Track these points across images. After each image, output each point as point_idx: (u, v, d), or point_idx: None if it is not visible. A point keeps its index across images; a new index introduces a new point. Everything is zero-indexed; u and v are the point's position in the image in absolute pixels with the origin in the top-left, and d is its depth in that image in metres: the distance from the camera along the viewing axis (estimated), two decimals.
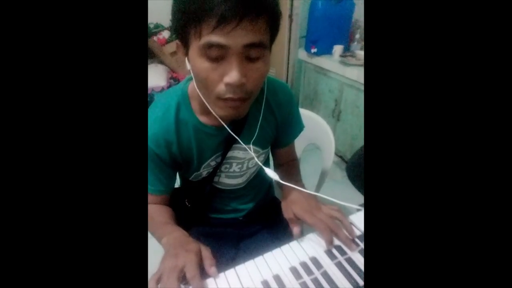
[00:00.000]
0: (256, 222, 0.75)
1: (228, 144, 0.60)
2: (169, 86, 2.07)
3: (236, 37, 0.40)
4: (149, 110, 0.58)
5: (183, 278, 0.43)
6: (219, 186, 0.69)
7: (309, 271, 0.46)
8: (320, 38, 1.84)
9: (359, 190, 1.02)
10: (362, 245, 0.50)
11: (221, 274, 0.46)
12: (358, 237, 0.51)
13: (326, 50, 1.85)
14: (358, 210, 0.56)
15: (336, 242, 0.50)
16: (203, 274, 0.44)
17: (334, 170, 1.84)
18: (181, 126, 0.57)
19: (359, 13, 1.86)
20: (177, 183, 0.72)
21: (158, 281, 0.43)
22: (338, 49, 1.80)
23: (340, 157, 1.93)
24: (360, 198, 0.67)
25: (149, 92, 2.01)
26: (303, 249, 0.50)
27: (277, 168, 0.75)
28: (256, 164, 0.67)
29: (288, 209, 0.56)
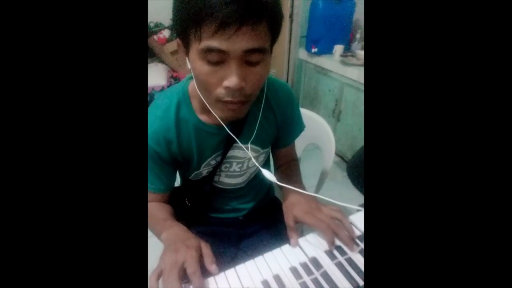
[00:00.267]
0: (256, 221, 0.75)
1: (228, 143, 0.60)
2: (170, 85, 2.06)
3: (236, 43, 0.40)
4: (149, 109, 0.58)
5: (184, 276, 0.43)
6: (219, 186, 0.69)
7: (309, 271, 0.46)
8: (320, 37, 1.84)
9: (360, 190, 1.02)
10: (362, 245, 0.49)
11: (221, 274, 0.46)
12: (358, 237, 0.51)
13: (326, 50, 1.85)
14: (358, 210, 0.56)
15: (337, 242, 0.50)
16: (204, 271, 0.44)
17: (334, 170, 1.83)
18: (181, 124, 0.57)
19: (359, 13, 1.86)
20: (177, 182, 0.72)
21: (159, 277, 0.43)
22: (338, 49, 1.79)
23: (340, 157, 1.93)
24: (361, 198, 0.67)
25: (149, 91, 2.01)
26: (303, 249, 0.50)
27: (277, 169, 0.75)
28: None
29: (289, 214, 0.56)
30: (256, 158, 0.65)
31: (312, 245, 0.51)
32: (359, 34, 1.90)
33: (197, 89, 0.50)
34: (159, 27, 2.31)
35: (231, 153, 0.62)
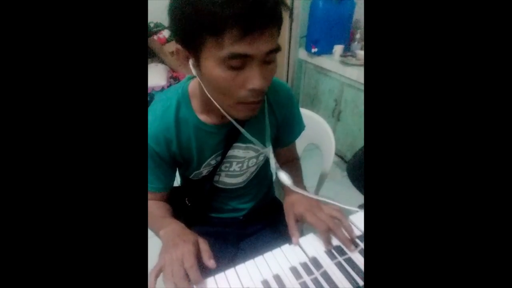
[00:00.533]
0: (256, 221, 0.75)
1: (228, 142, 0.60)
2: (169, 85, 2.07)
3: (259, 46, 0.41)
4: (149, 109, 0.58)
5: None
6: (219, 185, 0.69)
7: (309, 271, 0.46)
8: (320, 37, 1.84)
9: (360, 190, 1.02)
10: (362, 245, 0.50)
11: (221, 274, 0.46)
12: (358, 237, 0.51)
13: (326, 50, 1.85)
14: (357, 211, 0.56)
15: (337, 242, 0.50)
16: (202, 268, 0.44)
17: (334, 170, 1.83)
18: (181, 124, 0.57)
19: (359, 13, 1.86)
20: (177, 182, 0.72)
21: (158, 274, 0.43)
22: (338, 49, 1.79)
23: (340, 157, 1.93)
24: (360, 198, 0.67)
25: (149, 91, 2.01)
26: (303, 249, 0.50)
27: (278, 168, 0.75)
28: (256, 163, 0.68)
29: (290, 212, 0.56)
30: (256, 157, 0.66)
31: (312, 245, 0.51)
32: (359, 34, 1.90)
33: (208, 93, 0.49)
34: (159, 27, 2.30)
35: (231, 152, 0.62)
